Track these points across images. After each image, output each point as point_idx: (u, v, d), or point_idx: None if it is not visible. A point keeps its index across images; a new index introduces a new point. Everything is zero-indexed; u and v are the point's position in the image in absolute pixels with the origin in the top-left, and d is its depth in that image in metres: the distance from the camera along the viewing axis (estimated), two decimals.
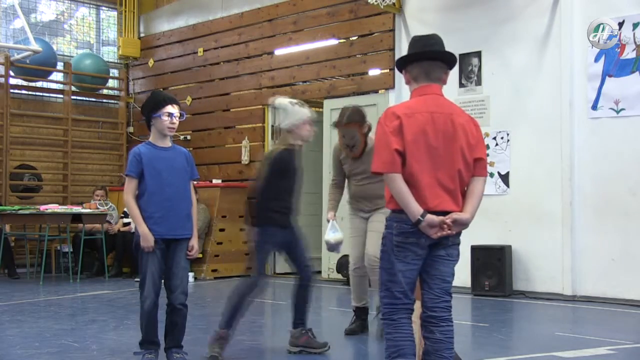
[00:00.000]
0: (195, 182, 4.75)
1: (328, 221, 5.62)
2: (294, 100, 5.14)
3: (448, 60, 3.44)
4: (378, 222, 5.21)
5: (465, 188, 3.37)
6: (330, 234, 5.48)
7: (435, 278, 3.34)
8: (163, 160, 4.45)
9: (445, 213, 3.24)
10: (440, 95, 3.40)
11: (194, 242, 4.54)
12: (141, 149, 4.47)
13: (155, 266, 4.39)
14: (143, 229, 4.34)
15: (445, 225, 3.23)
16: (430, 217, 3.21)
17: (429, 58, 3.39)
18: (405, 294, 3.31)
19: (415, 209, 3.21)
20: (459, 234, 3.37)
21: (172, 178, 4.45)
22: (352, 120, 5.52)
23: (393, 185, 3.25)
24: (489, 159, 8.55)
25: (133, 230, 10.06)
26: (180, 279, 4.47)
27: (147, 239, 4.33)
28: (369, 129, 5.55)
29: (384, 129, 3.28)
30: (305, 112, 5.05)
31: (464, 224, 3.32)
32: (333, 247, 5.50)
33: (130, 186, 4.42)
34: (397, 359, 3.26)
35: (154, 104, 4.47)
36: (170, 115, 4.46)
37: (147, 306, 4.37)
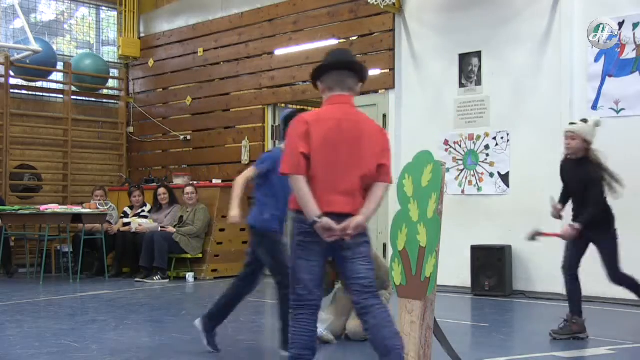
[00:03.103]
0: None
1: None
2: None
3: (358, 71, 3.75)
4: None
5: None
6: None
7: (350, 278, 3.57)
8: None
9: (342, 215, 3.48)
10: (350, 104, 3.69)
11: None
12: None
13: None
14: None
15: (342, 232, 3.45)
16: (326, 220, 3.44)
17: (338, 69, 3.69)
18: (309, 291, 3.54)
19: (312, 210, 3.45)
20: (362, 233, 3.58)
21: None
22: None
23: (296, 186, 3.50)
24: (489, 159, 8.55)
25: (133, 230, 10.14)
26: None
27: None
28: None
29: (293, 133, 3.56)
30: None
31: (360, 227, 3.53)
32: None
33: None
34: (292, 350, 3.55)
35: None
36: None
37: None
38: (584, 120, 5.71)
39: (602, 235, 5.71)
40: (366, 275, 3.57)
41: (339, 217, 3.48)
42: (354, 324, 5.40)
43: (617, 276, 5.69)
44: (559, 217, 5.88)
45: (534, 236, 5.93)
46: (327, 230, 3.46)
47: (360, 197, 3.56)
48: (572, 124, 5.74)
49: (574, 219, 5.76)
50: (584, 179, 5.61)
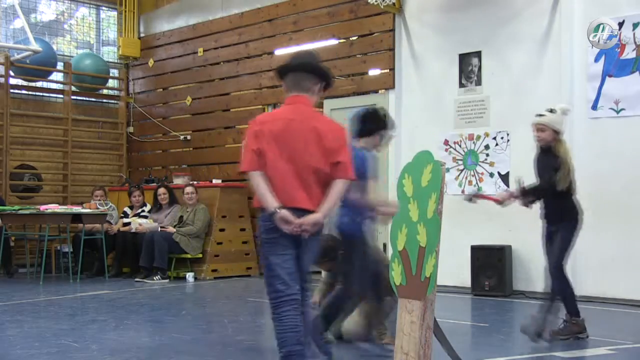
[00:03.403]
0: None
1: None
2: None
3: (317, 73, 3.90)
4: None
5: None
6: None
7: (298, 272, 3.75)
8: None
9: (299, 210, 3.65)
10: (305, 104, 3.86)
11: None
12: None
13: None
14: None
15: (301, 227, 3.63)
16: (285, 212, 3.61)
17: (294, 71, 3.89)
18: (288, 285, 3.68)
19: (270, 202, 3.64)
20: (318, 230, 3.76)
21: None
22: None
23: (254, 182, 3.71)
24: (489, 159, 8.55)
25: (133, 230, 10.14)
26: None
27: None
28: None
29: (247, 133, 3.79)
30: None
31: (317, 224, 3.69)
32: None
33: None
34: (282, 349, 3.67)
35: (385, 124, 4.95)
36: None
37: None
38: (551, 110, 5.58)
39: (562, 226, 5.52)
40: (308, 271, 3.82)
41: (298, 212, 3.64)
42: (345, 326, 5.39)
43: (557, 269, 5.47)
44: (505, 199, 5.65)
45: (472, 198, 5.86)
46: (285, 222, 3.62)
47: (319, 193, 3.72)
48: (539, 115, 5.61)
49: (545, 216, 5.66)
50: (548, 167, 5.52)
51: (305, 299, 3.81)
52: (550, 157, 5.52)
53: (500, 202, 5.61)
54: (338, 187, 3.75)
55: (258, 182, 3.68)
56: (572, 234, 5.55)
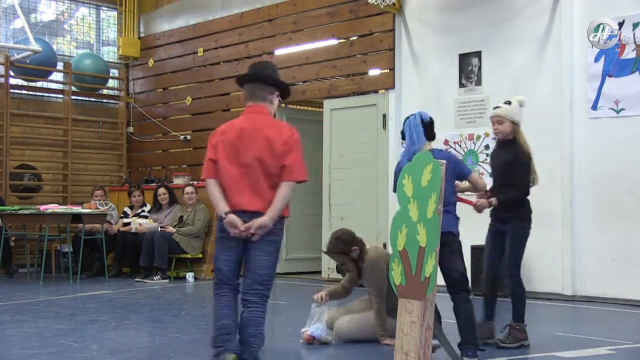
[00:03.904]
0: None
1: (319, 299, 5.49)
2: None
3: (271, 83, 4.24)
4: None
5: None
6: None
7: (248, 270, 4.09)
8: None
9: (250, 213, 3.99)
10: (261, 112, 4.21)
11: None
12: None
13: None
14: None
15: (248, 231, 3.96)
16: (232, 217, 3.99)
17: (248, 81, 4.26)
18: (226, 277, 4.12)
19: (221, 208, 4.04)
20: (270, 232, 4.02)
21: None
22: (336, 250, 5.40)
23: (208, 189, 4.13)
24: (489, 159, 8.53)
25: (133, 230, 10.14)
26: None
27: None
28: (360, 252, 5.38)
29: (208, 144, 4.20)
30: None
31: (263, 227, 3.97)
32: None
33: None
34: (217, 323, 4.08)
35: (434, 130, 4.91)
36: None
37: None
38: (508, 102, 5.39)
39: (514, 224, 5.25)
40: (265, 271, 4.08)
41: (250, 214, 3.99)
42: (338, 322, 5.39)
43: (515, 272, 5.30)
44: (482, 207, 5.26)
45: None
46: (233, 227, 3.99)
47: (271, 195, 4.02)
48: (496, 107, 5.40)
49: (497, 214, 5.34)
50: (510, 161, 5.23)
51: (254, 307, 4.05)
52: (512, 150, 5.25)
53: (477, 207, 5.26)
54: (283, 189, 4.02)
55: (213, 189, 4.10)
56: (528, 232, 5.35)
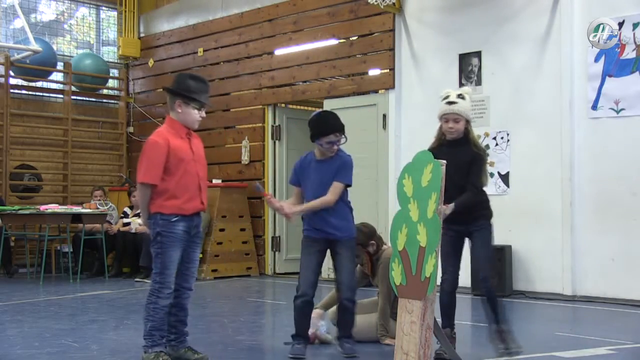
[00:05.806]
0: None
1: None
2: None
3: (169, 92, 4.96)
4: None
5: None
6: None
7: (184, 262, 4.65)
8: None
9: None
10: (165, 123, 4.97)
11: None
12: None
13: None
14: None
15: None
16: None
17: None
18: (172, 278, 4.60)
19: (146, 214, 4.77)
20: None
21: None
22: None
23: (146, 192, 4.73)
24: (489, 159, 8.53)
25: (133, 230, 10.14)
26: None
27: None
28: (377, 248, 5.38)
29: (157, 149, 4.76)
30: (441, 108, 4.89)
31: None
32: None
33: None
34: (151, 322, 4.54)
35: (319, 130, 4.96)
36: (330, 142, 4.93)
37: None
38: (462, 97, 4.80)
39: (483, 223, 5.06)
40: (197, 261, 4.77)
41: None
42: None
43: (489, 276, 5.05)
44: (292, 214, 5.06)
45: (258, 186, 5.59)
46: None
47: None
48: (451, 103, 4.79)
49: (455, 217, 4.68)
50: (467, 160, 4.74)
51: (184, 296, 4.64)
52: (468, 149, 4.80)
53: (288, 216, 5.05)
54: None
55: (148, 194, 4.70)
56: (492, 232, 5.14)
